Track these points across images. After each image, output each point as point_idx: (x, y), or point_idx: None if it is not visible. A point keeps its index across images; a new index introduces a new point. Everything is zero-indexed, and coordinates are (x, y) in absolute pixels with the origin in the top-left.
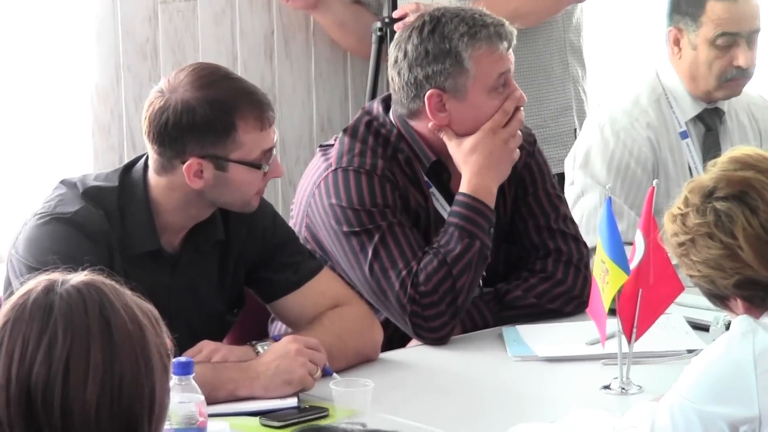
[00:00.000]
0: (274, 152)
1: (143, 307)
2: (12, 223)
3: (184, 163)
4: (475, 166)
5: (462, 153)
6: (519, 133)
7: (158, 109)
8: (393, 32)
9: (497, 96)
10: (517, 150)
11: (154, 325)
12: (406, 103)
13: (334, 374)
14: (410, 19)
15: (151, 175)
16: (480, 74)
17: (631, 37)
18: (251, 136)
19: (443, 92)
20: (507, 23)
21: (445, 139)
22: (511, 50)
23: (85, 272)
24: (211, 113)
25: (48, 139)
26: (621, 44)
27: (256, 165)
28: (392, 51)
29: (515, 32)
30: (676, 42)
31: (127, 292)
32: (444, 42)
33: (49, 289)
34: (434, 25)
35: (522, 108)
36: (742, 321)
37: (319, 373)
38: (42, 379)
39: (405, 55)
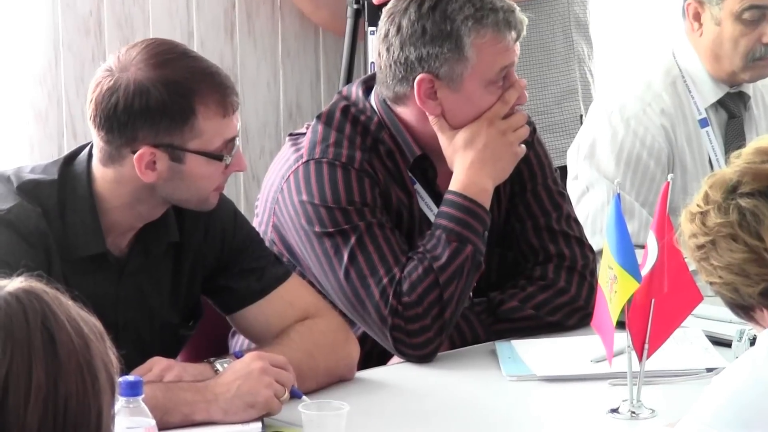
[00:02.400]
0: (237, 142)
1: (88, 319)
2: None
3: (134, 152)
4: (467, 160)
5: (454, 146)
6: (525, 127)
7: (106, 90)
8: (371, 5)
9: (495, 90)
10: (522, 146)
11: (100, 340)
12: (392, 85)
13: (304, 396)
14: None
15: (96, 166)
16: (480, 65)
17: (643, 11)
18: (212, 123)
19: (436, 79)
20: (518, 10)
21: (437, 129)
22: (518, 42)
23: (22, 278)
24: (168, 96)
25: None
26: (632, 19)
27: (216, 156)
28: (383, 23)
29: (526, 21)
30: (696, 17)
31: (70, 302)
32: (445, 22)
33: None
34: (436, 0)
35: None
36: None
37: (286, 395)
38: None
39: (398, 29)
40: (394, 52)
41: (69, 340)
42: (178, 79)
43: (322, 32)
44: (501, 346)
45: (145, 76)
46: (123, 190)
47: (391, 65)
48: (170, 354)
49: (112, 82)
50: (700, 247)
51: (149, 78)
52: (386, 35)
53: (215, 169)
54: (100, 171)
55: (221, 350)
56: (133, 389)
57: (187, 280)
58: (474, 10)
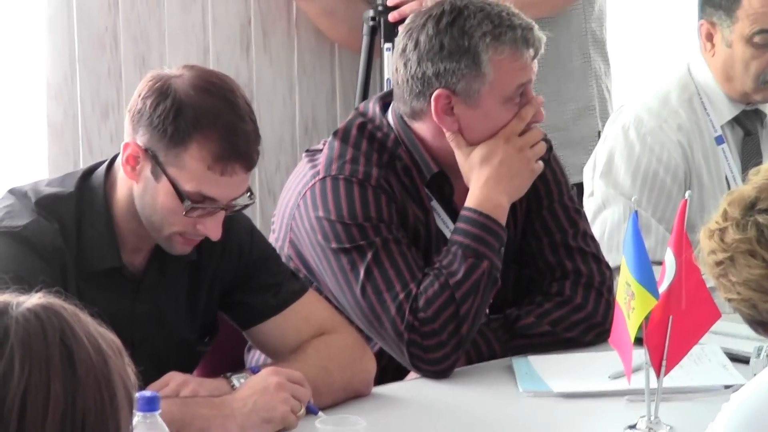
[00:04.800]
0: (219, 211)
1: (106, 335)
2: None
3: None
4: (484, 177)
5: (470, 162)
6: (542, 144)
7: (146, 84)
8: (387, 22)
9: (512, 107)
10: (539, 163)
11: (118, 356)
12: (409, 100)
13: (320, 412)
14: (413, 6)
15: (114, 179)
16: (498, 81)
17: (660, 28)
18: (197, 166)
19: (453, 94)
20: (536, 28)
21: (453, 145)
22: (536, 60)
23: (40, 294)
24: (176, 113)
25: None
26: (648, 36)
27: (181, 197)
28: (401, 38)
29: (544, 39)
30: (709, 37)
31: (89, 319)
32: (463, 38)
33: (2, 311)
34: (455, 16)
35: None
36: None
37: (302, 410)
38: None
39: (416, 45)
40: (411, 67)
41: (87, 356)
42: (199, 110)
43: (338, 48)
44: (518, 362)
45: (180, 88)
46: (131, 202)
47: (408, 80)
48: (186, 369)
49: (155, 82)
50: (718, 263)
51: (180, 91)
52: (404, 50)
53: (176, 208)
54: (117, 183)
55: (237, 365)
56: (150, 404)
57: (204, 297)
58: (492, 27)
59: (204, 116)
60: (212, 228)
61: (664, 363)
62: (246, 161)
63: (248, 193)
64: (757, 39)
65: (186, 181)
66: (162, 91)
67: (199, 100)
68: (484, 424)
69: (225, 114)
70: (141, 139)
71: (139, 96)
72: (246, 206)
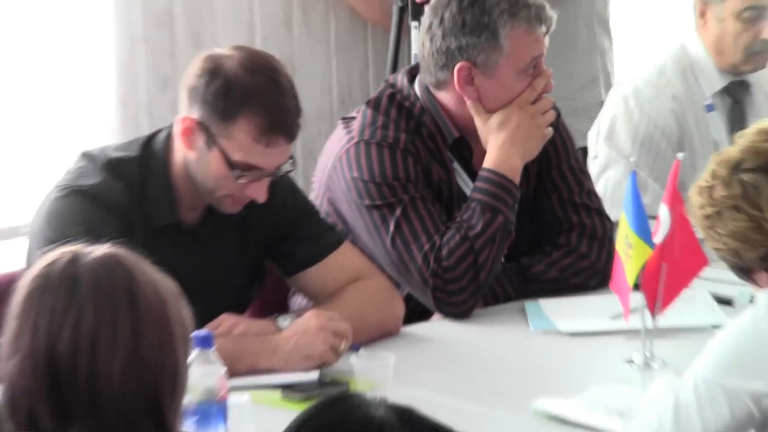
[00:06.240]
0: (265, 177)
1: (164, 281)
2: (35, 197)
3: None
4: (500, 140)
5: (488, 128)
6: (552, 111)
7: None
8: (414, 2)
9: (526, 78)
10: (549, 129)
11: (176, 300)
12: (434, 72)
13: (361, 348)
14: None
15: (172, 145)
16: (514, 54)
17: (657, 7)
18: (246, 139)
19: (474, 66)
20: (548, 7)
21: (473, 112)
22: (547, 36)
23: (107, 245)
24: (227, 91)
25: (69, 112)
26: (647, 14)
27: (231, 165)
28: (427, 15)
29: (554, 17)
30: (702, 14)
31: (150, 267)
32: (483, 15)
33: (74, 260)
34: None
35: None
36: (766, 296)
37: (344, 346)
38: (68, 350)
39: (441, 21)
40: (436, 42)
41: (148, 300)
42: (247, 88)
43: (370, 27)
44: (529, 305)
45: (230, 68)
46: (187, 167)
47: (433, 54)
48: (238, 312)
49: (211, 63)
50: (707, 217)
51: (230, 71)
52: (430, 27)
53: (226, 175)
54: (176, 147)
55: (282, 309)
56: (205, 342)
57: (252, 249)
58: (509, 6)
59: (251, 94)
60: (258, 192)
61: (658, 305)
62: (288, 134)
63: (290, 160)
64: (746, 15)
65: (235, 151)
66: (214, 71)
67: (246, 79)
68: (499, 359)
69: (269, 91)
70: (195, 114)
71: (194, 74)
72: (288, 172)
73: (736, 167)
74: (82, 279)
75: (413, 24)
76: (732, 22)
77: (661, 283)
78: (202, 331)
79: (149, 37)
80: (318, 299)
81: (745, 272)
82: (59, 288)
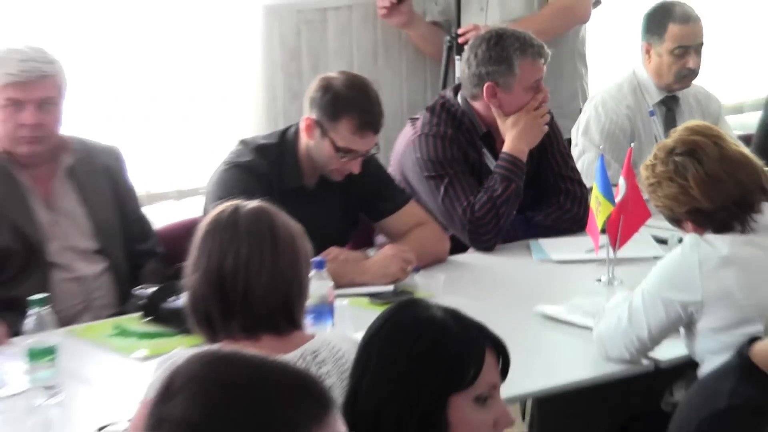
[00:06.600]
0: (359, 157)
1: (294, 225)
2: (208, 169)
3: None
4: (513, 134)
5: (506, 126)
6: (547, 115)
7: (317, 83)
8: (458, 44)
9: (531, 92)
10: (546, 126)
11: (302, 238)
12: (470, 89)
13: (420, 270)
14: (472, 34)
15: (299, 135)
16: (523, 77)
17: (617, 46)
18: (346, 132)
19: (497, 86)
20: (545, 46)
21: (496, 115)
22: (545, 65)
23: (256, 201)
24: (334, 101)
25: (233, 115)
26: (610, 51)
27: (336, 149)
28: (466, 51)
29: (549, 54)
30: (647, 51)
31: (283, 214)
32: (503, 52)
33: (235, 211)
34: (498, 39)
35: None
36: (690, 237)
37: (410, 268)
38: (231, 269)
39: (475, 56)
40: (472, 69)
41: (283, 237)
42: (348, 98)
43: (428, 59)
44: (532, 243)
45: (337, 85)
46: (308, 150)
47: (470, 77)
48: (340, 246)
49: (325, 82)
50: (651, 185)
51: (337, 87)
52: (468, 59)
53: (334, 156)
54: (300, 138)
55: (369, 244)
56: (320, 265)
57: (351, 204)
58: (520, 45)
59: (350, 102)
60: (355, 166)
61: (617, 243)
62: (374, 129)
63: (376, 146)
64: (676, 51)
65: (339, 140)
66: (326, 87)
67: (347, 92)
68: (512, 278)
69: (363, 101)
70: (314, 115)
71: (313, 89)
72: (375, 154)
73: (670, 152)
74: (240, 223)
75: (457, 57)
76: (667, 56)
77: (620, 229)
78: (318, 258)
79: (285, 65)
80: (393, 238)
81: (676, 222)
82: (225, 229)
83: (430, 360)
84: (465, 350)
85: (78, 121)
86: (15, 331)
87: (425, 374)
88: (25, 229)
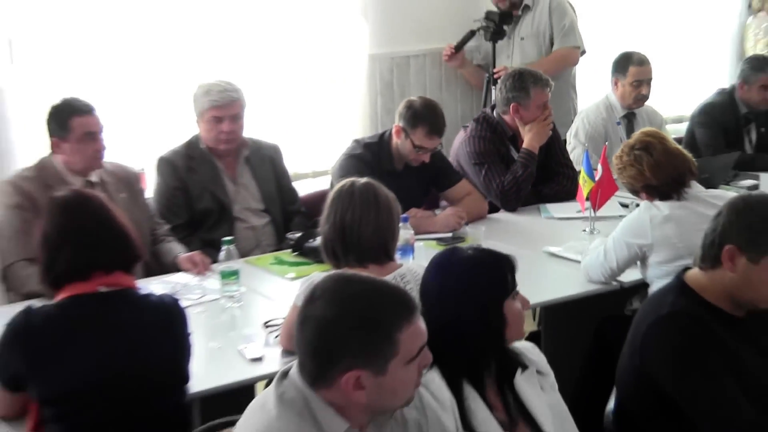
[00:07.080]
0: (429, 150)
1: (389, 193)
2: (332, 157)
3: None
4: (529, 136)
5: (524, 131)
6: (552, 123)
7: (404, 103)
8: (494, 79)
9: (541, 110)
10: (550, 131)
11: (395, 202)
12: (501, 107)
13: (469, 224)
14: (503, 72)
15: (392, 136)
16: (536, 100)
17: (596, 81)
18: (421, 136)
19: (519, 105)
20: (550, 79)
21: (519, 125)
22: (550, 92)
23: (365, 179)
24: (414, 116)
25: (352, 125)
26: (591, 82)
27: (414, 146)
28: (499, 83)
29: (553, 85)
30: (615, 83)
31: (383, 187)
32: (523, 83)
33: (352, 184)
34: (519, 75)
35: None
36: (644, 203)
37: (463, 222)
38: (350, 222)
39: (505, 86)
40: (503, 94)
41: (383, 200)
42: (422, 113)
43: (474, 89)
44: (542, 206)
45: (416, 105)
46: (396, 145)
47: (502, 100)
48: (417, 207)
49: (407, 102)
50: (619, 168)
51: (416, 106)
52: (500, 88)
53: (412, 151)
54: (393, 138)
55: (435, 206)
56: (405, 219)
57: (423, 180)
58: (534, 79)
59: (424, 116)
60: (426, 157)
61: (596, 206)
62: (439, 134)
63: (440, 143)
64: (634, 83)
65: (417, 141)
66: (409, 105)
67: (422, 110)
68: (528, 229)
69: (432, 115)
70: (401, 123)
71: (402, 107)
72: (439, 149)
73: (631, 148)
74: (356, 192)
75: (493, 87)
76: (628, 87)
77: (598, 197)
78: (404, 215)
79: (382, 91)
80: (451, 202)
81: (635, 193)
82: (346, 196)
83: (490, 277)
84: (508, 266)
85: (253, 126)
86: (213, 260)
87: (488, 286)
88: (219, 196)
